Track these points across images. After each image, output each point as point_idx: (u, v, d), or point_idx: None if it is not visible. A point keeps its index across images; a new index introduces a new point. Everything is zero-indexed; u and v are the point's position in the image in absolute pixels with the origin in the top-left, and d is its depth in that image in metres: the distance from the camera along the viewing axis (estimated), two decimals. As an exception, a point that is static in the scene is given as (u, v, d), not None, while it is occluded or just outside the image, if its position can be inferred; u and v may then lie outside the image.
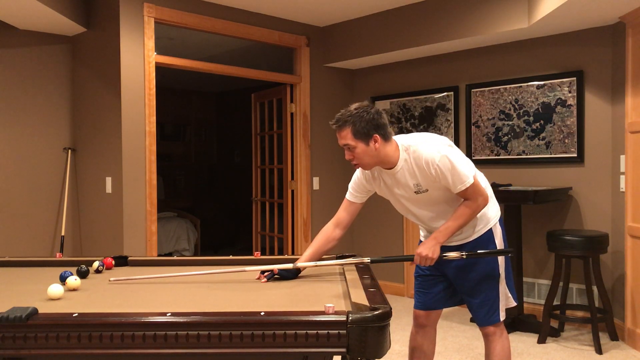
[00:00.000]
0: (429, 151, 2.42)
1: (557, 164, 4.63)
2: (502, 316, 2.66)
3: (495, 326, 2.66)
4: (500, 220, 2.69)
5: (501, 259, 2.65)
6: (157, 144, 4.59)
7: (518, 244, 4.51)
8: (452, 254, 2.48)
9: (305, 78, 5.55)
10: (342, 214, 2.68)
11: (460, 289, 2.71)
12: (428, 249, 2.46)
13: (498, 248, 2.64)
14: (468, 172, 2.44)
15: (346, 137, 2.40)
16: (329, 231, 2.65)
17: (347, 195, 2.70)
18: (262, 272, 2.40)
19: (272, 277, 2.37)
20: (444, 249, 2.54)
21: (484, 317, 2.66)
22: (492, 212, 2.66)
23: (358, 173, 2.65)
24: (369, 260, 2.50)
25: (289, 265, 2.39)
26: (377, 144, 2.41)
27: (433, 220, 2.61)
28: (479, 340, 4.07)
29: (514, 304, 2.75)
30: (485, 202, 2.51)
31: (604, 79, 4.37)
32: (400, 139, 2.51)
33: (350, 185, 2.69)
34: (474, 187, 2.45)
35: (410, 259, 2.51)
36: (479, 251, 2.55)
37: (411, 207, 2.61)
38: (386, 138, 2.44)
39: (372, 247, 5.81)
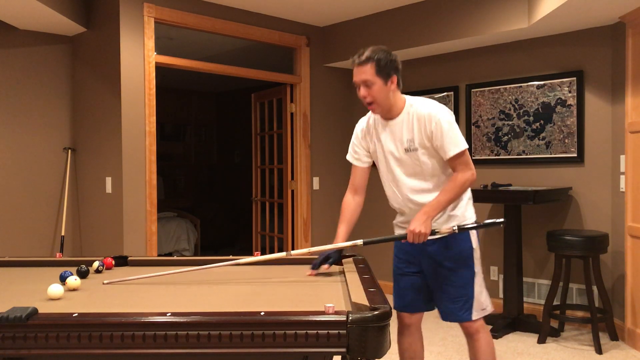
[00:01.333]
0: (433, 107, 2.52)
1: (557, 164, 4.63)
2: (476, 315, 2.62)
3: (478, 325, 2.64)
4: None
5: (477, 259, 2.64)
6: (157, 144, 4.60)
7: (518, 244, 4.51)
8: (444, 228, 2.47)
9: (305, 78, 5.55)
10: (355, 179, 2.76)
11: (434, 284, 2.67)
12: (420, 224, 2.42)
13: (473, 246, 2.63)
14: (463, 140, 2.50)
15: (367, 72, 2.45)
16: (351, 201, 2.74)
17: (350, 159, 2.77)
18: (312, 267, 2.45)
19: (319, 265, 2.43)
20: (421, 244, 2.53)
21: (457, 312, 2.61)
22: (469, 213, 2.66)
23: (355, 131, 2.74)
24: (361, 242, 2.50)
25: (283, 254, 2.45)
26: (393, 86, 2.50)
27: (414, 194, 2.59)
28: (479, 340, 4.06)
29: (490, 309, 2.69)
30: (473, 178, 2.54)
31: (604, 79, 4.37)
32: (408, 97, 2.61)
33: (350, 147, 2.77)
34: (466, 158, 2.50)
35: (403, 237, 2.49)
36: (469, 225, 2.53)
37: (396, 170, 2.61)
38: (399, 85, 2.54)
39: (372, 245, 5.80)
